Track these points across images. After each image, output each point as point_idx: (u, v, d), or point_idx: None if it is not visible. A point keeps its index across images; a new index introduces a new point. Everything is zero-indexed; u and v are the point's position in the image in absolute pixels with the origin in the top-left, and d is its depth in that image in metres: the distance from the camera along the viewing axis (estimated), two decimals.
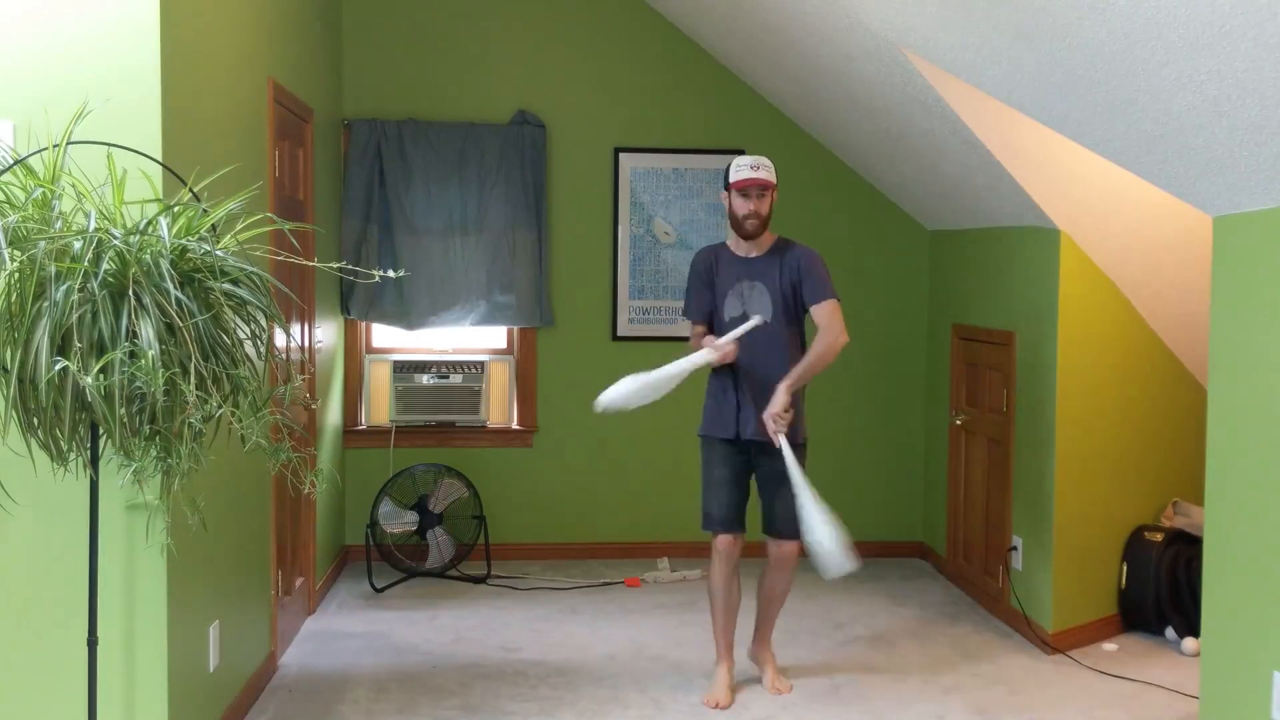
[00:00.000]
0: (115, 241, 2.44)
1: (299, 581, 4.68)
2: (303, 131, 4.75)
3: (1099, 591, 4.76)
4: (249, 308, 2.64)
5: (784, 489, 3.92)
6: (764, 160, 4.03)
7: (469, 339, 5.88)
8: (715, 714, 3.94)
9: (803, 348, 4.06)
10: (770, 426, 3.86)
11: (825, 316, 3.97)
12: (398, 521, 5.35)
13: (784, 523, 3.99)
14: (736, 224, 4.04)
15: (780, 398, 3.85)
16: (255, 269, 2.66)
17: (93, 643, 2.77)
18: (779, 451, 3.87)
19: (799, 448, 3.97)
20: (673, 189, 5.86)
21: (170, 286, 2.43)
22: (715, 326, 4.11)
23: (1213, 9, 2.43)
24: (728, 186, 4.04)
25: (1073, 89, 3.22)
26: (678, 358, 3.98)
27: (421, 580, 5.40)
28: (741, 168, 3.99)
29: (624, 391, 3.90)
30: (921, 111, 4.35)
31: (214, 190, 3.03)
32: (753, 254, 4.07)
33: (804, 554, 3.94)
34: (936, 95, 4.06)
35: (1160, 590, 4.66)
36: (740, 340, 3.95)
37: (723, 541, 4.06)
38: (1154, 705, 4.06)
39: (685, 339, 5.87)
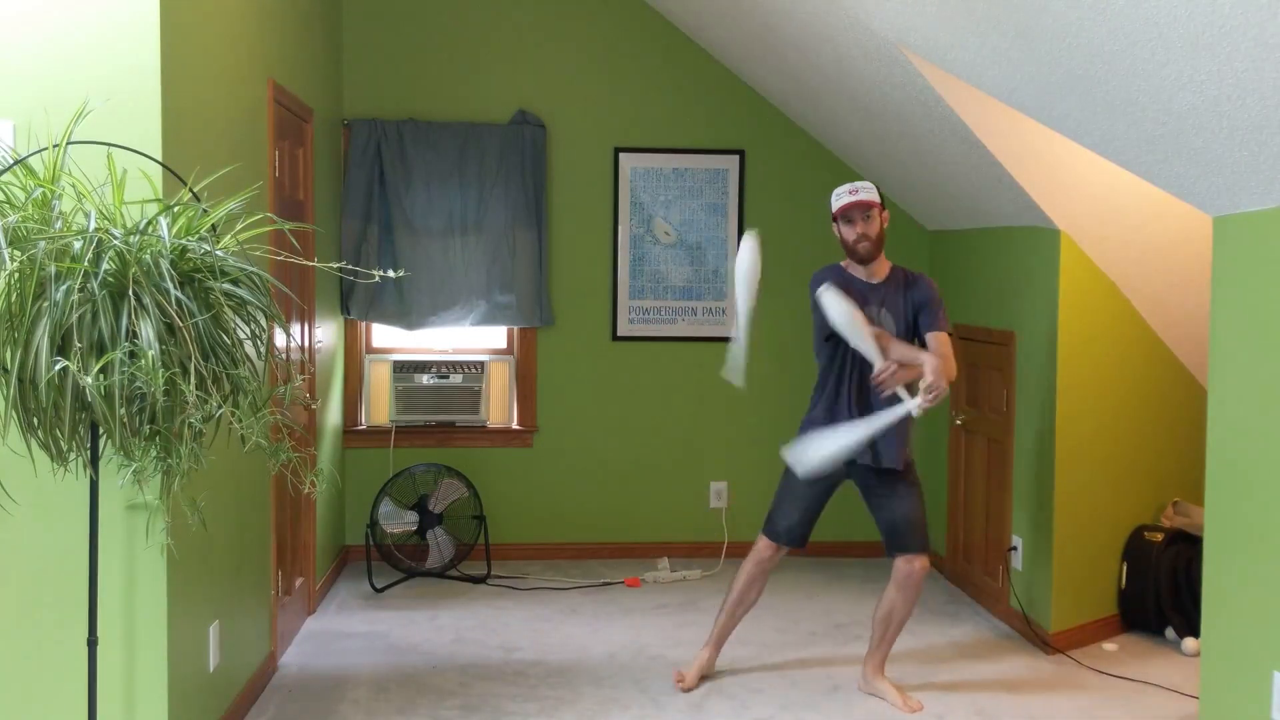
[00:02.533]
0: (115, 241, 2.44)
1: (299, 581, 4.68)
2: (303, 131, 4.75)
3: (1099, 591, 4.76)
4: (249, 308, 2.64)
5: (905, 501, 3.96)
6: (863, 183, 3.98)
7: (469, 339, 5.88)
8: (713, 711, 3.94)
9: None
10: (886, 380, 3.73)
11: (941, 346, 3.90)
12: (398, 521, 5.35)
13: (912, 535, 3.97)
14: (850, 250, 3.97)
15: (881, 362, 3.74)
16: (255, 269, 2.66)
17: (93, 643, 2.77)
18: (890, 470, 3.94)
19: (904, 470, 3.99)
20: (673, 189, 5.86)
21: (170, 286, 2.43)
22: (833, 352, 3.97)
23: (1213, 9, 2.43)
24: (834, 218, 3.98)
25: (1073, 89, 3.22)
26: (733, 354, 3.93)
27: (421, 580, 5.40)
28: (841, 195, 3.95)
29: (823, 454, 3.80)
30: (921, 111, 4.35)
31: (214, 190, 3.03)
32: (875, 279, 4.00)
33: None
34: (936, 95, 4.06)
35: (1160, 590, 4.66)
36: (855, 368, 3.92)
37: (770, 549, 4.08)
38: (1154, 705, 4.07)
39: (686, 339, 5.94)
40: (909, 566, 3.98)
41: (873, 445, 3.90)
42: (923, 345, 3.93)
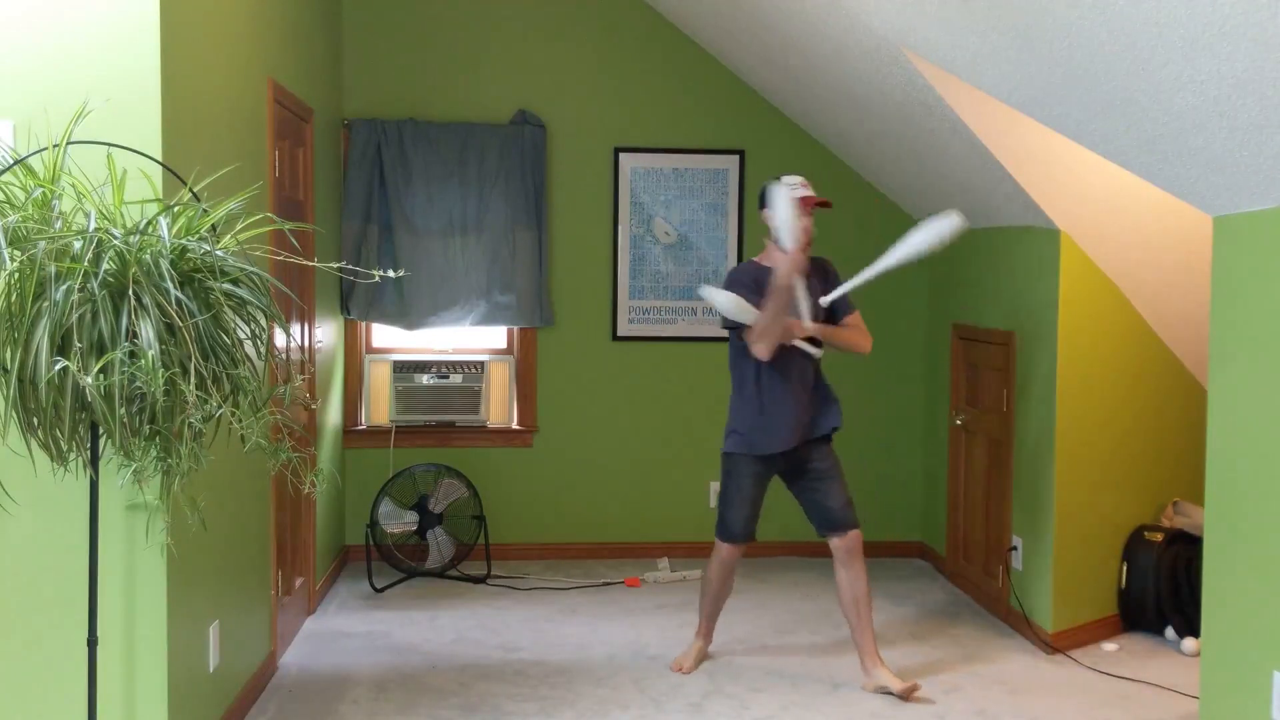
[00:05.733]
0: (115, 241, 2.44)
1: (299, 581, 4.68)
2: (303, 131, 4.75)
3: (1099, 591, 4.76)
4: (249, 308, 2.64)
5: (828, 483, 4.13)
6: (802, 177, 4.12)
7: (469, 339, 5.88)
8: (713, 712, 3.94)
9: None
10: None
11: (859, 324, 4.26)
12: (398, 521, 5.35)
13: (840, 512, 4.14)
14: (795, 239, 3.99)
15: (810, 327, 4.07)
16: (255, 269, 2.66)
17: (93, 643, 2.77)
18: (820, 448, 4.15)
19: (829, 449, 4.22)
20: (673, 189, 5.86)
21: (170, 286, 2.43)
22: (743, 347, 4.15)
23: (1213, 9, 2.43)
24: (764, 204, 4.10)
25: (1073, 89, 3.22)
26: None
27: (421, 580, 5.40)
28: (796, 187, 4.01)
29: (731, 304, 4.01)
30: (922, 111, 4.35)
31: (214, 190, 3.03)
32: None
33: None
34: (937, 95, 4.06)
35: (1160, 590, 4.66)
36: (787, 351, 4.09)
37: (730, 551, 4.25)
38: (1154, 705, 4.07)
39: (686, 339, 5.94)
40: (844, 542, 4.13)
41: (810, 417, 4.13)
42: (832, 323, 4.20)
